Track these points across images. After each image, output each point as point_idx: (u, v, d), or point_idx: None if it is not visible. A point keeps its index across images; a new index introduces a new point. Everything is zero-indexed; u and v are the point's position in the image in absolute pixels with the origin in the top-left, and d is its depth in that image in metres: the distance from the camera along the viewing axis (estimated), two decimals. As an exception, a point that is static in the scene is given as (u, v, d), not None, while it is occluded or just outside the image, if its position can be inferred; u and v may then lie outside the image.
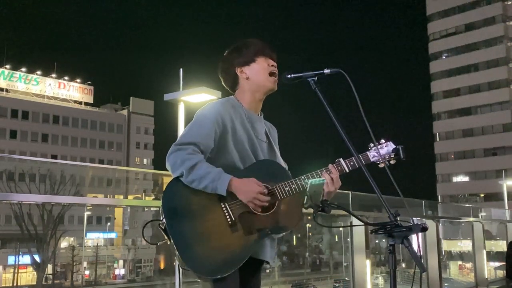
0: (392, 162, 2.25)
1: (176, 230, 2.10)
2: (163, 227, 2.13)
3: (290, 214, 2.25)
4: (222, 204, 2.16)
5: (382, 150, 2.25)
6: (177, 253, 2.08)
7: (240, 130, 2.31)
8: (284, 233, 2.27)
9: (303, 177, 2.24)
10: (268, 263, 2.32)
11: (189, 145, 2.18)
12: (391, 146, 2.26)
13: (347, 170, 2.26)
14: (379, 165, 2.24)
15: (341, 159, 2.26)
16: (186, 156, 2.14)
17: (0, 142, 60.09)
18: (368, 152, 2.25)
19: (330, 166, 2.27)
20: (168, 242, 2.12)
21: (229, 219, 2.15)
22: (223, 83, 2.52)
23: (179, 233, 2.10)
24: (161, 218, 2.14)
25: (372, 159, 2.24)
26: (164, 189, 2.21)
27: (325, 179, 2.18)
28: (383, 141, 2.29)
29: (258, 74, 2.39)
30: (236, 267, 2.11)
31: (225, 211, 2.16)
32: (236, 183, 2.14)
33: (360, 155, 2.22)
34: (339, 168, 2.25)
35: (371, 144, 2.25)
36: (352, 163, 2.25)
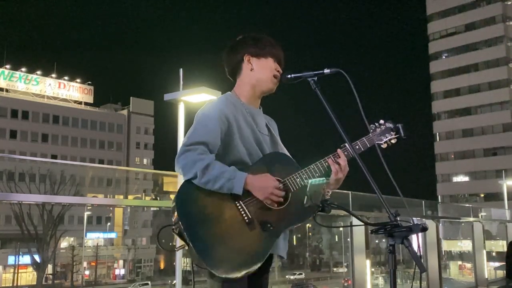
0: (393, 141, 2.30)
1: (195, 235, 2.05)
2: (177, 232, 2.09)
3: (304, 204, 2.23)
4: (236, 203, 2.13)
5: (382, 130, 2.30)
6: (197, 256, 2.04)
7: (244, 126, 2.30)
8: (299, 224, 2.26)
9: (312, 166, 2.24)
10: (282, 257, 2.30)
11: (198, 145, 2.14)
12: (391, 125, 2.31)
13: (353, 155, 2.25)
14: (382, 145, 2.28)
15: (346, 144, 2.25)
16: (197, 157, 2.11)
17: (0, 142, 60.08)
18: (370, 134, 2.28)
19: (338, 151, 2.26)
20: (187, 247, 2.08)
21: (245, 218, 2.12)
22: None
23: (198, 237, 2.06)
24: (173, 223, 2.10)
25: (375, 141, 2.28)
26: (176, 193, 2.17)
27: (325, 179, 2.17)
28: (382, 121, 2.32)
29: (263, 69, 2.38)
30: (259, 263, 2.09)
31: (241, 210, 2.13)
32: (251, 180, 2.12)
33: (364, 138, 2.27)
34: (345, 153, 2.25)
35: (372, 126, 2.29)
36: (357, 146, 2.27)
